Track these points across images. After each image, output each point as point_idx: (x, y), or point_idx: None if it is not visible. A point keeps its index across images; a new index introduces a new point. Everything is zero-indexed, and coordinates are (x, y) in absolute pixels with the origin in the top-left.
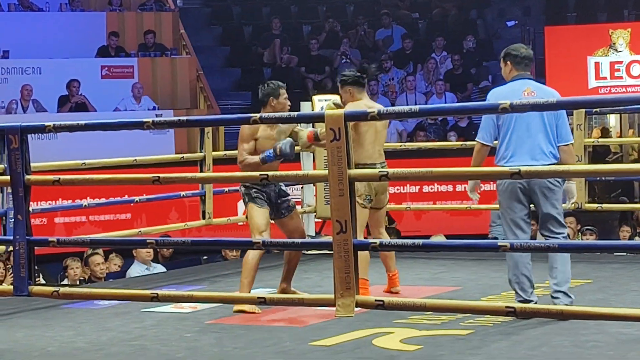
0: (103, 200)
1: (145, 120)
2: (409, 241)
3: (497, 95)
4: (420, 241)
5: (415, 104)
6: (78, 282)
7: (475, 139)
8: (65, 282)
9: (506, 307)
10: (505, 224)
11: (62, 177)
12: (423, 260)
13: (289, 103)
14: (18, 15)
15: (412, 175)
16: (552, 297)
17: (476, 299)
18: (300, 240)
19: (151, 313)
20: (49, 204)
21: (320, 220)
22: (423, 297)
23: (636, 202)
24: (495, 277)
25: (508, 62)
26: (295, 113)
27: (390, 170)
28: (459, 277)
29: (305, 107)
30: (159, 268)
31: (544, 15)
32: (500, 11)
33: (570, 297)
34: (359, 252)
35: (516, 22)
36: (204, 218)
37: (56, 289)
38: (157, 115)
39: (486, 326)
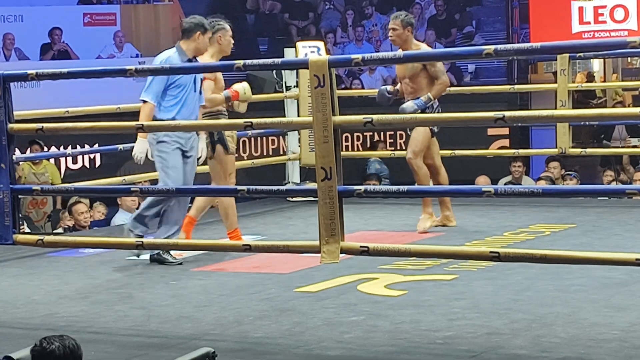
0: (87, 148)
1: (128, 67)
2: (394, 187)
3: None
4: (405, 187)
5: None
6: (62, 231)
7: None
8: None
9: (490, 252)
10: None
11: (45, 125)
12: (408, 207)
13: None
14: None
15: (396, 121)
16: None
17: (460, 244)
18: (285, 187)
19: (136, 261)
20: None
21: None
22: (407, 243)
23: (617, 147)
24: (479, 222)
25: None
26: (280, 59)
27: (375, 117)
28: None
29: (289, 54)
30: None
31: None
32: None
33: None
34: (224, 202)
35: None
36: None
37: (40, 237)
38: (140, 63)
39: (470, 271)
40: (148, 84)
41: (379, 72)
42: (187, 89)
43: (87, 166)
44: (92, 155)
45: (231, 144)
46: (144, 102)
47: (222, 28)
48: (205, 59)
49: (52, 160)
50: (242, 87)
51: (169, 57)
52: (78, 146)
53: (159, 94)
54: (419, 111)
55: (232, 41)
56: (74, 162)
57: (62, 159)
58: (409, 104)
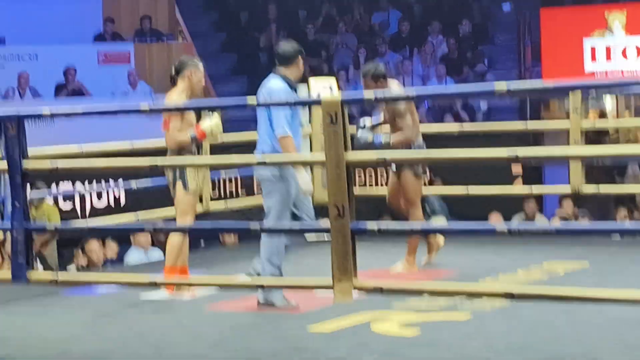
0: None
1: (142, 105)
2: (407, 226)
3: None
4: (418, 225)
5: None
6: (76, 269)
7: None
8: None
9: (504, 290)
10: None
11: (60, 162)
12: (421, 245)
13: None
14: (14, 2)
15: (410, 158)
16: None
17: (474, 283)
18: (299, 226)
19: (149, 299)
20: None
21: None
22: (421, 281)
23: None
24: (492, 260)
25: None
26: (293, 97)
27: (388, 154)
28: (457, 260)
29: (302, 91)
30: (157, 253)
31: None
32: None
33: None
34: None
35: (511, 4)
36: (201, 202)
37: (54, 276)
38: (153, 101)
39: (484, 310)
40: (277, 119)
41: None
42: (298, 119)
43: (112, 204)
44: (116, 193)
45: (192, 182)
46: (284, 137)
47: (194, 65)
48: (173, 95)
49: (69, 199)
50: (209, 127)
51: (283, 86)
52: (102, 182)
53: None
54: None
55: (203, 82)
56: (99, 198)
57: (87, 196)
58: (365, 134)
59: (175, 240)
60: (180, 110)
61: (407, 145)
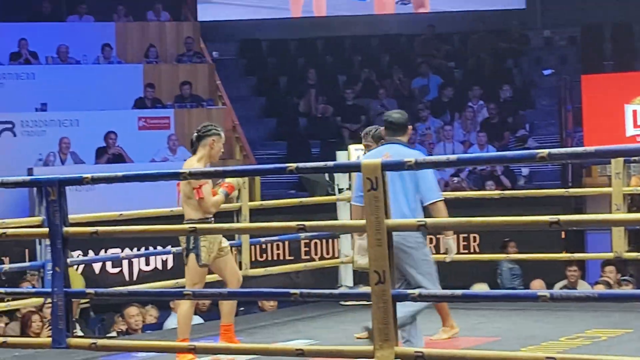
0: (142, 251)
1: (182, 171)
2: (448, 292)
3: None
4: (460, 292)
5: (453, 154)
6: (115, 334)
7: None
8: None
9: (546, 357)
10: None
11: (100, 228)
12: (462, 311)
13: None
14: (56, 68)
15: (450, 224)
16: None
17: (516, 350)
18: (338, 291)
19: None
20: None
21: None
22: (462, 348)
23: None
24: (534, 327)
25: (383, 127)
26: (332, 162)
27: (429, 220)
28: (498, 327)
29: (342, 157)
30: (196, 319)
31: (581, 63)
32: (536, 59)
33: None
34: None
35: (552, 70)
36: (240, 269)
37: (94, 341)
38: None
39: None
40: (431, 184)
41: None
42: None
43: (160, 267)
44: (164, 257)
45: (205, 255)
46: (437, 202)
47: (217, 134)
48: (192, 163)
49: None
50: (234, 179)
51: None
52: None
53: None
54: None
55: (222, 150)
56: (147, 263)
57: (135, 261)
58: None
59: (184, 310)
60: (221, 175)
61: None
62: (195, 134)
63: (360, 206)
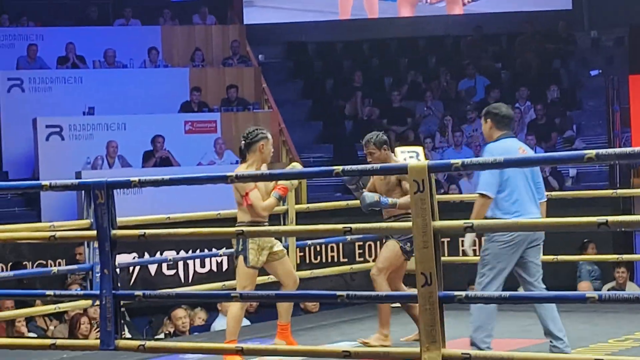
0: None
1: (228, 174)
2: (496, 293)
3: (494, 152)
4: (507, 293)
5: None
6: (163, 336)
7: (480, 192)
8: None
9: (595, 359)
10: (495, 273)
11: (147, 231)
12: (511, 312)
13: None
14: (103, 72)
15: (497, 226)
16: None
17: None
18: (385, 293)
19: None
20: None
21: None
22: (510, 349)
23: None
24: (582, 329)
25: (489, 120)
26: (379, 165)
27: (476, 222)
28: None
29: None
30: (244, 321)
31: (628, 63)
32: (583, 60)
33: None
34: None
35: (600, 71)
36: None
37: (142, 342)
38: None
39: None
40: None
41: (476, 176)
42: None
43: (215, 270)
44: (219, 259)
45: (254, 257)
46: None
47: (265, 137)
48: (242, 168)
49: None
50: (288, 182)
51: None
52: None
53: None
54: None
55: (272, 150)
56: (202, 265)
57: (190, 263)
58: (369, 194)
59: (233, 311)
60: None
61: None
62: (243, 141)
63: (490, 198)
